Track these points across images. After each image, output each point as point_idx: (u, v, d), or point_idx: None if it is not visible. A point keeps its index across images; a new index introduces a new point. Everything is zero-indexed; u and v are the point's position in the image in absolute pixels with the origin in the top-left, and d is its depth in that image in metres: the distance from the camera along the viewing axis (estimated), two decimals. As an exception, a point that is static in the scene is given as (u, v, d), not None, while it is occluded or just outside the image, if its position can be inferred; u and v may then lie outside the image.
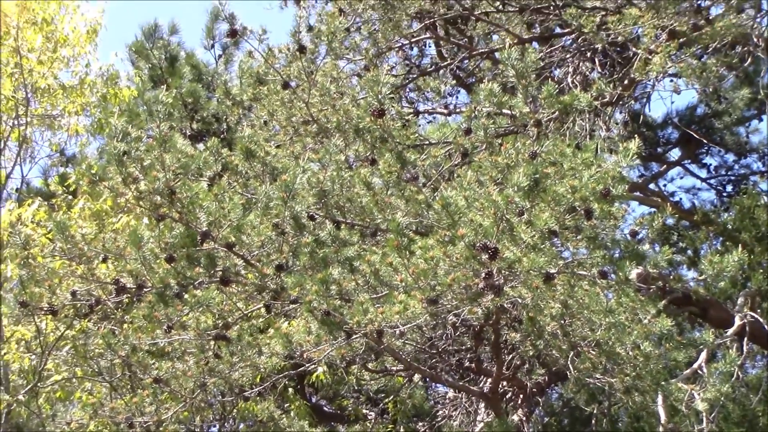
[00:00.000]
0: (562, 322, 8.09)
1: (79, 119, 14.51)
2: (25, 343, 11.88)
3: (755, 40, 10.46)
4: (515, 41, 12.73)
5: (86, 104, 14.20)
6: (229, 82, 14.80)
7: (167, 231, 8.99)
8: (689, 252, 15.13)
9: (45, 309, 9.57)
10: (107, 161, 9.45)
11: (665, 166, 18.58)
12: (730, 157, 18.73)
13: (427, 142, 11.26)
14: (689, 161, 18.76)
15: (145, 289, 9.10)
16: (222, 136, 14.91)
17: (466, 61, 15.54)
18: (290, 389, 13.53)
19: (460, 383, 12.42)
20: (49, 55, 13.79)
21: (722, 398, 8.39)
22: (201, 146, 10.38)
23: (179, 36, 17.87)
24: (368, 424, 14.72)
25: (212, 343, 9.06)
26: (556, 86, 9.10)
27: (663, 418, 9.50)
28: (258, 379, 10.24)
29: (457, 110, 15.46)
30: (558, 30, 14.14)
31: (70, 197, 13.26)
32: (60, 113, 14.36)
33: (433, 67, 15.93)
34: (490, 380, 11.52)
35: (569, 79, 13.48)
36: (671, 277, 12.22)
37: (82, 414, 10.89)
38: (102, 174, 10.09)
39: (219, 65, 17.94)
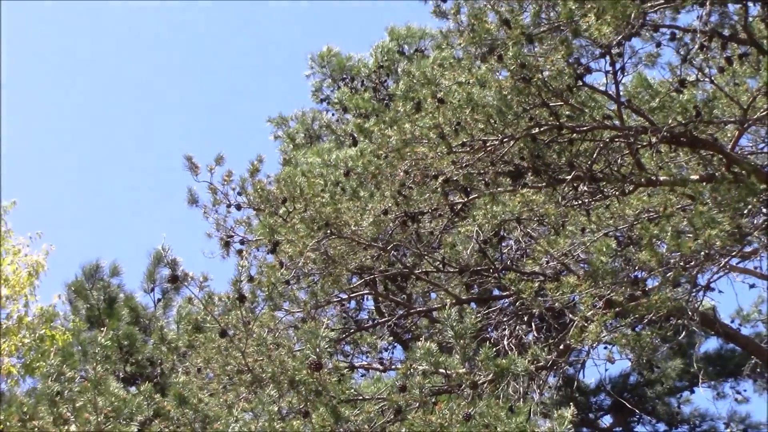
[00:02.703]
0: None
1: (13, 360, 14.40)
2: None
3: (690, 313, 10.67)
4: (453, 301, 12.89)
5: (21, 344, 14.12)
6: (166, 326, 14.81)
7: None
8: None
9: None
10: (38, 401, 9.32)
11: (597, 432, 18.61)
12: (661, 427, 18.81)
13: (361, 397, 11.21)
14: (621, 429, 18.80)
15: None
16: (156, 380, 14.78)
17: (404, 318, 15.65)
18: None
19: None
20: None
21: None
22: (134, 389, 10.27)
23: (120, 278, 17.96)
24: None
25: None
26: (493, 348, 9.20)
27: None
28: None
29: (393, 366, 15.49)
30: (496, 292, 14.37)
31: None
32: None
33: (371, 322, 16.03)
34: None
35: (505, 342, 13.59)
36: None
37: None
38: (32, 413, 9.92)
39: (157, 309, 17.96)
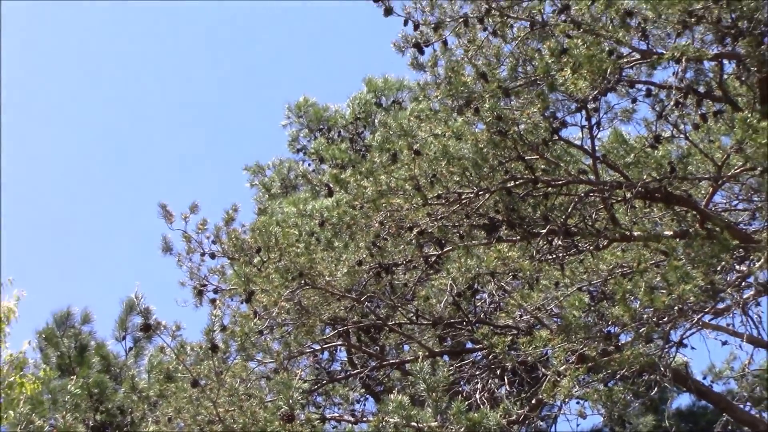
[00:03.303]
0: None
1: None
2: None
3: (663, 369, 10.66)
4: (426, 354, 12.86)
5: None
6: (137, 375, 14.71)
7: None
8: None
9: None
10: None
11: (570, 488, 18.54)
12: (635, 483, 18.75)
13: (333, 450, 11.16)
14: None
15: None
16: (126, 429, 14.64)
17: (377, 370, 15.59)
18: None
19: None
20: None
21: None
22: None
23: (92, 325, 17.84)
24: None
25: None
26: (465, 402, 9.16)
27: None
28: None
29: (365, 419, 15.39)
30: (469, 345, 14.34)
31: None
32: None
33: (344, 373, 15.95)
34: None
35: (478, 396, 13.54)
36: None
37: None
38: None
39: (129, 357, 17.84)
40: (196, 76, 42.87)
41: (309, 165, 20.56)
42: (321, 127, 21.22)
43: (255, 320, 12.40)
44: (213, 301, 14.49)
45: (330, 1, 41.42)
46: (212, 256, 14.74)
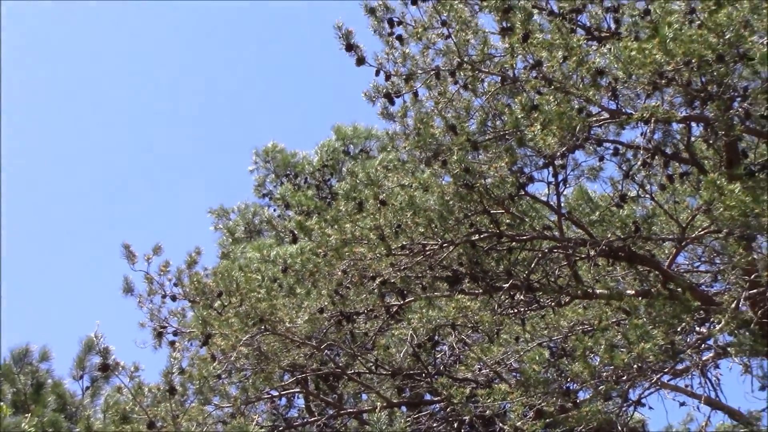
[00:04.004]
0: None
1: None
2: None
3: (620, 428, 10.67)
4: (384, 404, 12.82)
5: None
6: (93, 415, 14.57)
7: None
8: None
9: None
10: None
11: None
12: None
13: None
14: None
15: None
16: (78, 469, 14.49)
17: (334, 418, 15.51)
18: None
19: None
20: None
21: None
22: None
23: (50, 363, 17.66)
24: None
25: None
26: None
27: None
28: None
29: (321, 467, 15.29)
30: (428, 397, 14.30)
31: None
32: None
33: (301, 420, 15.85)
34: None
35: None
36: None
37: None
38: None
39: (86, 397, 17.66)
40: (163, 117, 42.88)
41: (274, 211, 20.56)
42: (288, 173, 21.24)
43: (213, 364, 12.33)
44: (172, 343, 14.40)
45: (300, 47, 41.65)
46: (173, 298, 14.67)
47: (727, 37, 9.63)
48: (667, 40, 9.62)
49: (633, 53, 9.96)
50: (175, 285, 14.62)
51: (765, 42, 9.70)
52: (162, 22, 41.49)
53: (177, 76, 41.87)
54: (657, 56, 9.79)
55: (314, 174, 20.62)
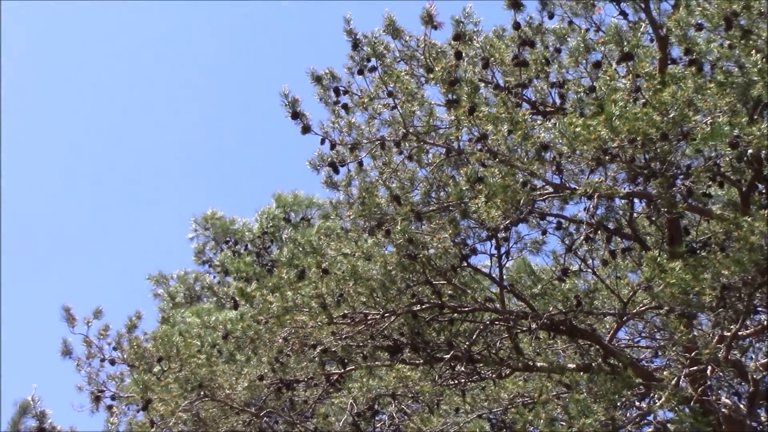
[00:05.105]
0: None
1: None
2: None
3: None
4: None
5: None
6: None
7: None
8: None
9: None
10: None
11: None
12: None
13: None
14: None
15: None
16: None
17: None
18: None
19: None
20: None
21: None
22: None
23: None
24: None
25: None
26: None
27: None
28: None
29: None
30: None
31: None
32: None
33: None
34: None
35: None
36: None
37: None
38: None
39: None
40: (106, 180, 42.61)
41: (214, 277, 20.46)
42: (228, 240, 21.19)
43: (152, 430, 12.18)
44: (110, 407, 14.23)
45: (242, 114, 41.71)
46: (112, 362, 14.51)
47: (671, 115, 9.76)
48: (613, 118, 9.73)
49: (578, 129, 10.06)
50: (115, 349, 14.47)
51: (708, 121, 9.85)
52: (89, 97, 41.39)
53: (114, 139, 41.70)
54: (602, 133, 9.90)
55: (254, 241, 20.59)
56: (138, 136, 42.18)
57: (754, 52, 9.25)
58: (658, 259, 9.73)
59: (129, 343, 14.20)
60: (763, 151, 9.60)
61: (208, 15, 40.63)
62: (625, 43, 10.81)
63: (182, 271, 21.11)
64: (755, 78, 9.01)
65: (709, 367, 10.69)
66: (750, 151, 9.81)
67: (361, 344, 12.29)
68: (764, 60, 8.90)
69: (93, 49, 40.93)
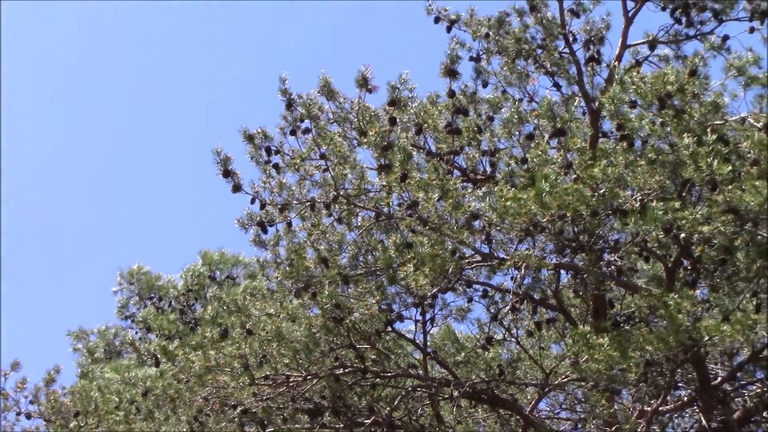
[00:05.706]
0: None
1: None
2: None
3: None
4: None
5: None
6: None
7: None
8: None
9: None
10: None
11: None
12: None
13: None
14: None
15: None
16: None
17: None
18: None
19: None
20: None
21: None
22: None
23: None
24: None
25: None
26: None
27: None
28: None
29: None
30: None
31: None
32: None
33: None
34: None
35: None
36: None
37: None
38: None
39: None
40: (30, 229, 42.08)
41: (136, 333, 20.21)
42: (152, 295, 20.95)
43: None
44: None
45: (171, 169, 41.50)
46: (28, 416, 14.28)
47: (601, 191, 9.81)
48: (543, 194, 9.73)
49: (509, 203, 10.04)
50: (31, 402, 14.27)
51: (637, 198, 9.92)
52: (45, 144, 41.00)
53: (43, 186, 41.26)
54: (532, 207, 9.90)
55: (179, 298, 20.38)
56: (64, 185, 41.79)
57: (686, 135, 9.29)
58: (588, 336, 9.68)
59: (46, 397, 14.01)
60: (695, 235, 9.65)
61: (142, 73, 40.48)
62: (558, 119, 10.88)
63: (103, 326, 20.86)
64: (686, 160, 9.06)
65: (629, 442, 10.71)
66: (682, 234, 9.85)
67: (281, 406, 12.20)
68: (696, 143, 8.96)
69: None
